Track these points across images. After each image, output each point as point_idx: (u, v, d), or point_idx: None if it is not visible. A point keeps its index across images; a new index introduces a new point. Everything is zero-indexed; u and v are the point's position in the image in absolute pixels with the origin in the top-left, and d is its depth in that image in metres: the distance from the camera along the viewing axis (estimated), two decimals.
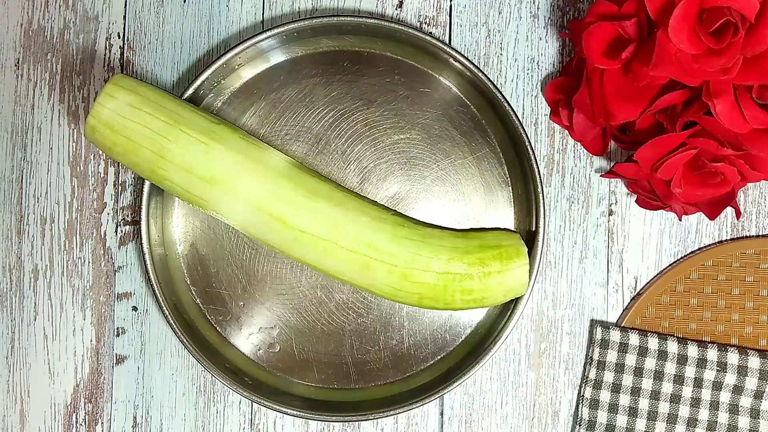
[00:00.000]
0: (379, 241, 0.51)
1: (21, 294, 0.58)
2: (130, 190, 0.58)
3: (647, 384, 0.56)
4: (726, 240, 0.57)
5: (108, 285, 0.58)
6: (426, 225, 0.55)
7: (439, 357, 0.57)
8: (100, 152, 0.59)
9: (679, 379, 0.55)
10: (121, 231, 0.58)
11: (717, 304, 0.56)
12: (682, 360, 0.55)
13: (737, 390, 0.55)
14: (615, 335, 0.56)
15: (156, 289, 0.54)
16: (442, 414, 0.57)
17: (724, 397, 0.55)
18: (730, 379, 0.55)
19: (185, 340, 0.54)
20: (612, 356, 0.56)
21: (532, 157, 0.54)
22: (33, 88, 0.59)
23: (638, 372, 0.56)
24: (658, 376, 0.56)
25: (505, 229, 0.56)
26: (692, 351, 0.55)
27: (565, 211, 0.58)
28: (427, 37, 0.54)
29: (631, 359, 0.56)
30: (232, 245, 0.57)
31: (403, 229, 0.52)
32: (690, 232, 0.57)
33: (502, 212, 0.57)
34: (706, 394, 0.55)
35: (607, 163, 0.58)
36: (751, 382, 0.55)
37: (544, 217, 0.54)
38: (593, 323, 0.57)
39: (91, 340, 0.58)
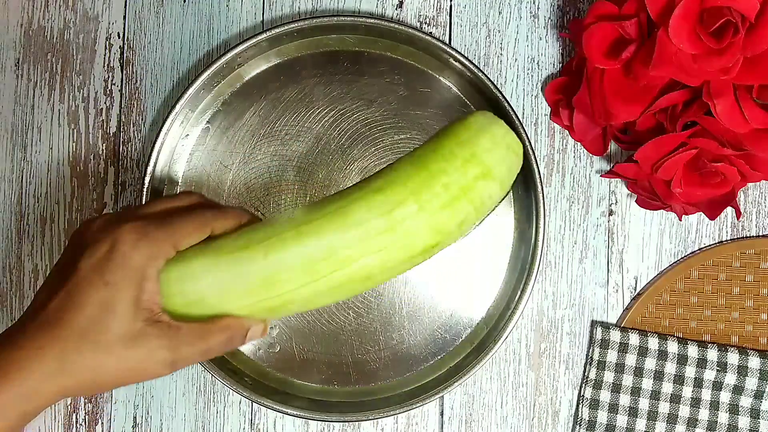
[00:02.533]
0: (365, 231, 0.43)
1: (21, 294, 0.58)
2: (130, 190, 0.58)
3: (647, 384, 0.56)
4: (726, 240, 0.57)
5: None
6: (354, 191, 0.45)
7: (439, 357, 0.57)
8: (100, 152, 0.59)
9: (679, 379, 0.55)
10: None
11: (717, 302, 0.56)
12: (682, 360, 0.55)
13: (737, 390, 0.55)
14: (615, 335, 0.56)
15: None
16: (442, 414, 0.57)
17: (724, 397, 0.55)
18: (730, 379, 0.55)
19: None
20: (612, 356, 0.56)
21: (532, 157, 0.54)
22: (33, 88, 0.59)
23: (638, 372, 0.56)
24: (659, 376, 0.56)
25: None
26: (692, 351, 0.55)
27: (565, 211, 0.58)
28: (427, 37, 0.54)
29: (631, 359, 0.56)
30: None
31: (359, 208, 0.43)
32: (690, 232, 0.57)
33: (502, 212, 0.57)
34: (706, 394, 0.55)
35: (607, 163, 0.58)
36: (751, 382, 0.55)
37: (544, 217, 0.54)
38: (593, 323, 0.57)
39: None
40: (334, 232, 0.42)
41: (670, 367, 0.55)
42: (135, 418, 0.58)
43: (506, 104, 0.54)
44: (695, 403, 0.56)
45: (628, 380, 0.56)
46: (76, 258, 0.40)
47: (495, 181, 0.45)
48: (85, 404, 0.58)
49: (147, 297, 0.40)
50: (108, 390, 0.41)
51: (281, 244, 0.42)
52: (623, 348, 0.56)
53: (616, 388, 0.56)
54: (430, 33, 0.57)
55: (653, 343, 0.55)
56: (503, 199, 0.47)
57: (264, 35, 0.54)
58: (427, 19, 0.58)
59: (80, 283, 0.39)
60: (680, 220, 0.56)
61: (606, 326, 0.56)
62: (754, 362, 0.55)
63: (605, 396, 0.56)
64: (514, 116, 0.54)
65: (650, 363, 0.55)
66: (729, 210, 0.57)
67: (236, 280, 0.42)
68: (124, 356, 0.39)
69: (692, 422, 0.55)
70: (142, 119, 0.59)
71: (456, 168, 0.43)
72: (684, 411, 0.56)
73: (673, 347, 0.55)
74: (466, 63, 0.54)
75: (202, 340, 0.41)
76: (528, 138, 0.54)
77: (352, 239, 0.42)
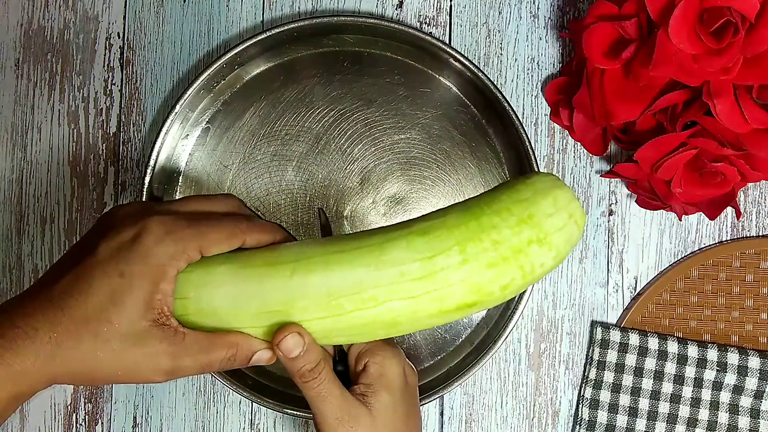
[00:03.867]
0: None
1: None
2: (130, 190, 0.58)
3: (647, 384, 0.56)
4: (726, 240, 0.57)
5: None
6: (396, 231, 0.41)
7: (439, 357, 0.57)
8: (100, 152, 0.59)
9: (679, 379, 0.55)
10: None
11: (717, 302, 0.56)
12: (682, 360, 0.55)
13: (737, 390, 0.55)
14: (615, 335, 0.56)
15: None
16: (442, 414, 0.57)
17: (724, 397, 0.55)
18: (730, 379, 0.55)
19: None
20: (612, 356, 0.56)
21: (532, 157, 0.54)
22: (33, 88, 0.59)
23: (638, 372, 0.56)
24: (658, 376, 0.56)
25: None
26: (692, 351, 0.55)
27: None
28: (427, 37, 0.54)
29: (631, 359, 0.56)
30: None
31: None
32: (690, 232, 0.57)
33: None
34: (706, 394, 0.55)
35: (607, 163, 0.58)
36: (751, 382, 0.55)
37: None
38: (593, 323, 0.57)
39: None
40: (365, 267, 0.39)
41: (670, 367, 0.55)
42: (135, 418, 0.58)
43: (506, 104, 0.54)
44: (695, 403, 0.56)
45: (628, 380, 0.56)
46: (96, 239, 0.38)
47: (551, 249, 0.40)
48: (85, 404, 0.58)
49: (160, 297, 0.37)
50: (99, 385, 0.40)
51: (307, 269, 0.39)
52: (623, 348, 0.56)
53: (616, 388, 0.56)
54: (430, 33, 0.57)
55: (653, 343, 0.55)
56: (551, 270, 0.42)
57: (264, 35, 0.54)
58: (427, 19, 0.58)
59: (94, 268, 0.37)
60: (680, 220, 0.56)
61: (606, 326, 0.56)
62: (754, 362, 0.55)
63: (605, 396, 0.56)
64: (514, 116, 0.54)
65: (650, 363, 0.55)
66: (729, 210, 0.57)
67: (254, 297, 0.39)
68: (121, 354, 0.36)
69: (692, 422, 0.55)
70: (142, 119, 0.59)
71: (510, 226, 0.39)
72: (684, 411, 0.56)
73: (673, 347, 0.55)
74: (466, 63, 0.54)
75: (205, 353, 0.39)
76: (528, 138, 0.54)
77: (383, 279, 0.39)
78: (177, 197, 0.57)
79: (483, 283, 0.39)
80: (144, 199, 0.54)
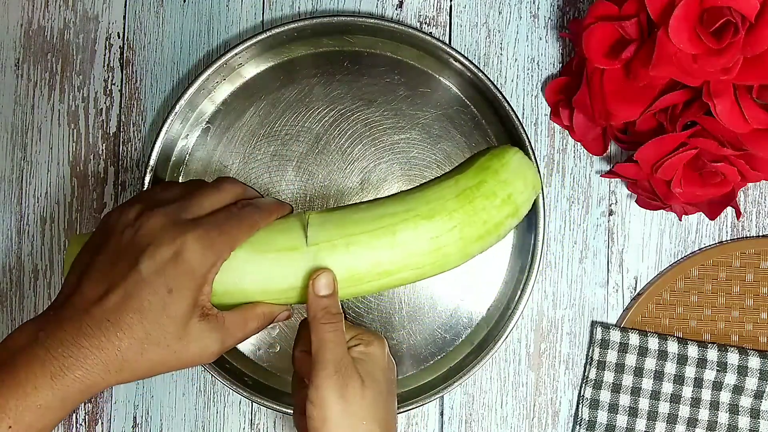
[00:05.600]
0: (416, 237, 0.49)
1: (21, 294, 0.58)
2: (130, 190, 0.58)
3: (647, 384, 0.56)
4: (726, 240, 0.57)
5: None
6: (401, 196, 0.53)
7: (439, 357, 0.57)
8: (100, 152, 0.59)
9: (679, 379, 0.55)
10: None
11: (717, 302, 0.57)
12: (682, 360, 0.55)
13: (737, 390, 0.55)
14: (615, 335, 0.56)
15: None
16: (442, 414, 0.57)
17: (724, 397, 0.55)
18: (730, 379, 0.55)
19: None
20: (612, 356, 0.56)
21: (532, 157, 0.54)
22: (33, 88, 0.59)
23: (638, 372, 0.56)
24: (658, 376, 0.56)
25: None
26: (692, 351, 0.55)
27: (565, 211, 0.58)
28: (427, 37, 0.54)
29: (631, 359, 0.56)
30: None
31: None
32: (690, 232, 0.57)
33: None
34: (706, 394, 0.55)
35: (607, 163, 0.58)
36: (751, 382, 0.55)
37: (544, 217, 0.54)
38: (593, 323, 0.57)
39: None
40: (381, 249, 0.48)
41: (670, 367, 0.55)
42: (135, 418, 0.58)
43: (506, 104, 0.54)
44: (695, 403, 0.56)
45: (628, 380, 0.56)
46: (136, 254, 0.41)
47: (520, 218, 0.52)
48: (85, 404, 0.58)
49: (203, 297, 0.43)
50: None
51: (330, 252, 0.47)
52: (623, 348, 0.56)
53: (616, 388, 0.56)
54: (430, 33, 0.57)
55: (653, 343, 0.55)
56: None
57: (264, 35, 0.54)
58: (427, 19, 0.58)
59: (141, 286, 0.40)
60: (680, 220, 0.56)
61: (606, 326, 0.56)
62: (754, 362, 0.55)
63: (605, 396, 0.56)
64: (514, 116, 0.54)
65: (650, 363, 0.55)
66: (729, 210, 0.57)
67: (281, 278, 0.47)
68: (182, 354, 0.42)
69: (692, 422, 0.55)
70: (142, 119, 0.59)
71: (495, 206, 0.50)
72: (684, 411, 0.56)
73: (673, 347, 0.55)
74: (466, 63, 0.54)
75: (242, 329, 0.45)
76: (528, 138, 0.54)
77: (397, 257, 0.48)
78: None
79: (472, 251, 0.51)
80: None
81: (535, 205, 0.54)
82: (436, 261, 0.49)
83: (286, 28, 0.54)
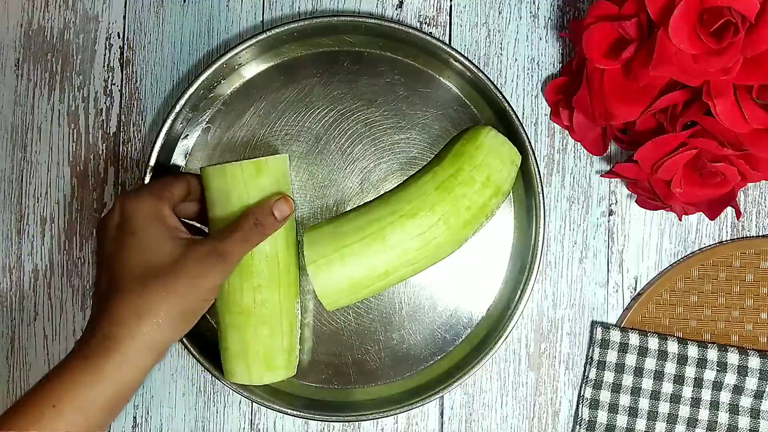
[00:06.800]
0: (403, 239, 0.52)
1: (21, 294, 0.58)
2: (130, 190, 0.58)
3: (647, 384, 0.56)
4: (726, 240, 0.57)
5: None
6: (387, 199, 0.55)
7: (439, 357, 0.57)
8: (100, 152, 0.59)
9: (679, 379, 0.55)
10: None
11: (717, 302, 0.57)
12: (682, 360, 0.55)
13: (737, 390, 0.55)
14: (615, 335, 0.56)
15: None
16: (442, 414, 0.57)
17: (724, 397, 0.55)
18: (730, 379, 0.55)
19: (185, 341, 0.54)
20: (612, 356, 0.56)
21: (532, 157, 0.54)
22: (33, 88, 0.59)
23: (638, 372, 0.56)
24: (659, 376, 0.56)
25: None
26: (692, 351, 0.55)
27: (565, 211, 0.58)
28: (427, 37, 0.54)
29: (631, 359, 0.56)
30: None
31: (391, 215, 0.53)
32: (690, 232, 0.57)
33: (501, 212, 0.57)
34: (706, 394, 0.55)
35: (607, 163, 0.58)
36: (751, 382, 0.55)
37: (544, 217, 0.54)
38: (593, 323, 0.57)
39: None
40: (375, 255, 0.51)
41: (670, 367, 0.55)
42: (135, 418, 0.58)
43: (506, 104, 0.54)
44: (695, 403, 0.56)
45: (628, 380, 0.56)
46: (101, 238, 0.48)
47: (504, 195, 0.53)
48: None
49: (173, 225, 0.48)
50: (197, 314, 0.48)
51: (327, 267, 0.51)
52: (623, 348, 0.56)
53: (616, 388, 0.56)
54: (430, 33, 0.57)
55: (653, 343, 0.55)
56: None
57: (264, 35, 0.54)
58: (427, 19, 0.58)
59: (112, 247, 0.47)
60: (680, 220, 0.56)
61: (606, 326, 0.56)
62: (754, 362, 0.55)
63: (605, 396, 0.56)
64: (514, 116, 0.54)
65: (650, 363, 0.55)
66: (729, 210, 0.57)
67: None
68: (181, 278, 0.45)
69: (692, 422, 0.55)
70: (142, 119, 0.59)
71: (475, 191, 0.52)
72: (684, 411, 0.56)
73: (673, 347, 0.55)
74: (466, 63, 0.54)
75: (234, 231, 0.48)
76: (528, 138, 0.54)
77: (391, 258, 0.51)
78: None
79: (463, 236, 0.53)
80: None
81: (535, 205, 0.54)
82: (429, 254, 0.52)
83: (286, 28, 0.54)
